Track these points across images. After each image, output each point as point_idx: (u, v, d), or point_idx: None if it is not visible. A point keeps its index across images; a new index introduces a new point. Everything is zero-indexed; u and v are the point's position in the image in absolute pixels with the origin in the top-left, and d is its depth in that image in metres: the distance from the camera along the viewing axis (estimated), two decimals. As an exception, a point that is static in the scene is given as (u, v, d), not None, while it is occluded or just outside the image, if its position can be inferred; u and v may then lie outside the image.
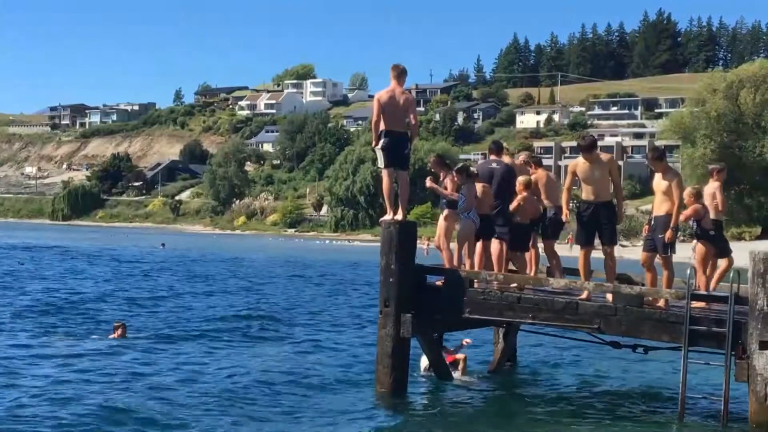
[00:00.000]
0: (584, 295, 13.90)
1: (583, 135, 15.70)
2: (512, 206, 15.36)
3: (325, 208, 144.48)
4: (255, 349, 19.87)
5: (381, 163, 14.74)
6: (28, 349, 18.66)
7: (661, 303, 13.63)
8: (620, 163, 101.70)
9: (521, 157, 17.07)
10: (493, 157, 16.25)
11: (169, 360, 17.85)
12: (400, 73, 14.73)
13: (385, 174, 14.74)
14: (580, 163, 14.09)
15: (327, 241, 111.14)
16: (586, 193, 13.96)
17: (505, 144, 17.38)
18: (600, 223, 13.93)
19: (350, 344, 20.90)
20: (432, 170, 16.12)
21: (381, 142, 14.55)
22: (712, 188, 15.26)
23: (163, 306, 28.36)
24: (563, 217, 14.65)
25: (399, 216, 14.74)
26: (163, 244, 77.77)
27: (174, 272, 44.87)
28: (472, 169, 15.51)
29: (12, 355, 17.83)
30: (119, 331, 20.30)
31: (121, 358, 17.89)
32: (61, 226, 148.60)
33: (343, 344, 20.94)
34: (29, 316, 24.34)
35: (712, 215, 14.93)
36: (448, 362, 16.52)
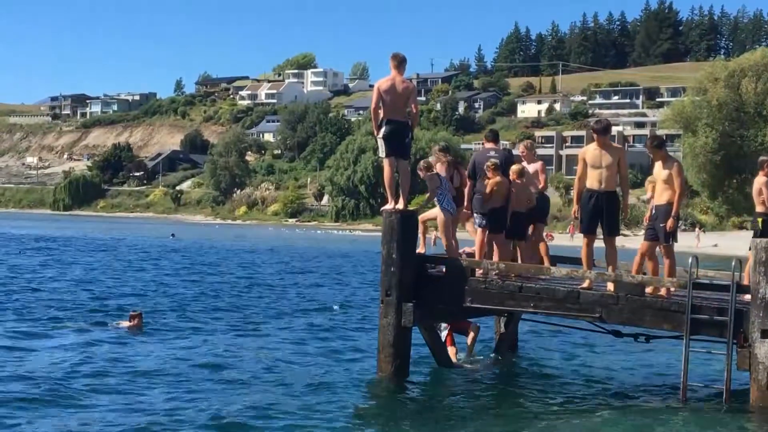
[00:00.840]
0: (586, 283, 13.89)
1: (598, 119, 15.68)
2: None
3: (326, 198, 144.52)
4: (264, 334, 19.85)
5: (382, 152, 14.74)
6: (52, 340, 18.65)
7: (662, 292, 13.61)
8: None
9: (521, 147, 17.17)
10: (490, 145, 16.21)
11: (182, 349, 17.85)
12: (400, 62, 14.68)
13: (386, 163, 14.72)
14: (590, 149, 14.05)
15: (333, 231, 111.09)
16: (591, 180, 13.89)
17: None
18: (603, 212, 13.88)
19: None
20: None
21: (382, 130, 14.54)
22: (759, 183, 14.81)
23: (182, 294, 28.32)
24: (573, 211, 14.47)
25: (400, 205, 14.73)
26: (173, 234, 77.79)
27: (195, 260, 44.99)
28: (493, 160, 15.43)
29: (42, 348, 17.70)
30: (135, 321, 20.03)
31: (131, 347, 17.87)
32: (63, 217, 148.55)
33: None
34: (83, 311, 23.62)
35: (760, 209, 14.71)
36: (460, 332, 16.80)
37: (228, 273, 38.60)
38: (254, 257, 51.12)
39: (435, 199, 15.29)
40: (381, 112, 14.54)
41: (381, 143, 14.64)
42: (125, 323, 20.16)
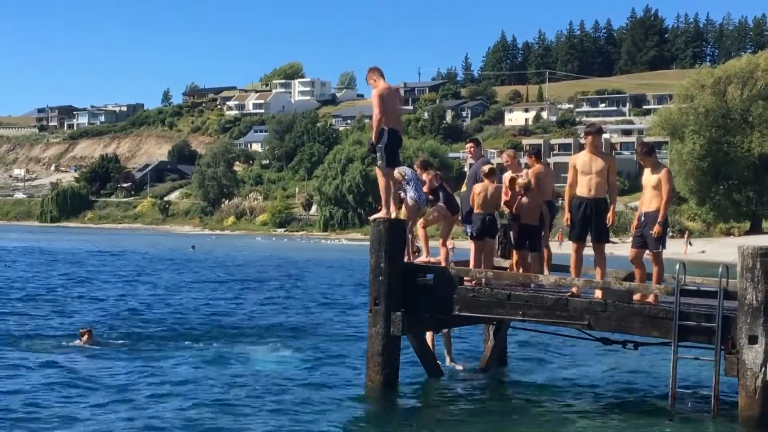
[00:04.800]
0: (573, 290, 13.91)
1: (590, 123, 15.85)
2: (515, 207, 15.48)
3: (314, 208, 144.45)
4: (244, 349, 19.80)
5: (381, 162, 14.64)
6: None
7: (650, 299, 13.63)
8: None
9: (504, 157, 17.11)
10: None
11: (146, 368, 17.77)
12: (383, 72, 14.82)
13: (385, 173, 14.70)
14: (580, 156, 14.12)
15: (322, 240, 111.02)
16: (580, 187, 13.94)
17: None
18: (592, 219, 13.92)
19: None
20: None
21: (383, 140, 14.52)
22: None
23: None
24: (565, 218, 14.41)
25: (394, 214, 14.84)
26: (193, 246, 77.34)
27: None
28: (489, 165, 15.66)
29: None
30: (85, 338, 19.65)
31: (85, 365, 17.41)
32: (51, 228, 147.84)
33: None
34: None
35: None
36: None
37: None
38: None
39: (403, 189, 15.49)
40: (383, 121, 14.54)
41: (382, 153, 14.58)
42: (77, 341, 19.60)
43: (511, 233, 15.68)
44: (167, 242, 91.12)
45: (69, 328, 22.16)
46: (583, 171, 13.92)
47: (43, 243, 76.42)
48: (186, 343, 20.34)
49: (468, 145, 16.95)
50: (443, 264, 15.36)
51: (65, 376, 15.96)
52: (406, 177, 15.40)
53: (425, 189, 15.80)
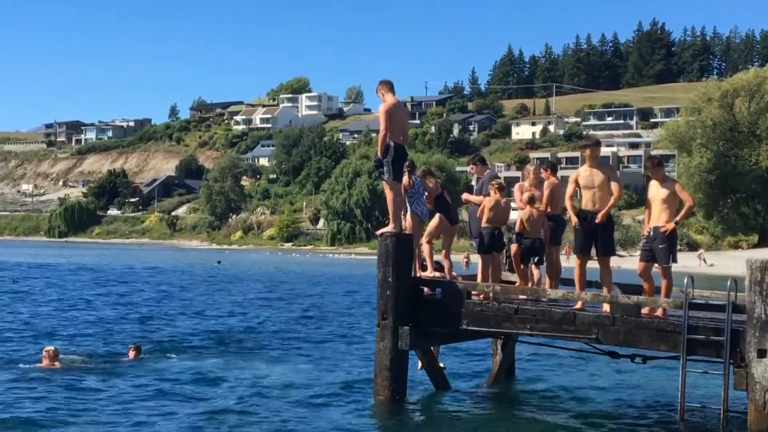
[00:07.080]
0: (578, 305, 13.87)
1: (587, 136, 15.94)
2: (518, 222, 15.48)
3: (321, 222, 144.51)
4: (254, 363, 19.81)
5: (388, 176, 14.63)
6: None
7: (659, 312, 13.59)
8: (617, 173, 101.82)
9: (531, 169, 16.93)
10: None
11: (168, 376, 17.79)
12: (393, 86, 14.82)
13: (392, 187, 14.68)
14: (581, 171, 14.15)
15: (330, 255, 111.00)
16: (585, 201, 13.96)
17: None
18: (598, 233, 13.90)
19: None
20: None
21: (389, 155, 14.54)
22: None
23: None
24: (574, 223, 14.37)
25: (407, 230, 14.87)
26: (219, 261, 77.34)
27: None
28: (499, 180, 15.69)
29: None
30: (133, 353, 19.98)
31: (126, 379, 17.70)
32: (61, 244, 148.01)
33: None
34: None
35: None
36: None
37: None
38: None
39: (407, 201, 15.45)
40: (388, 136, 14.58)
41: (388, 167, 14.60)
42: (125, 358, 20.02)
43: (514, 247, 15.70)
44: (188, 257, 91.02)
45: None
46: (585, 185, 13.94)
47: (62, 259, 76.42)
48: (207, 356, 20.51)
49: (470, 167, 17.01)
50: (447, 276, 15.33)
51: (115, 390, 16.19)
52: (413, 189, 15.40)
53: (428, 195, 15.74)
